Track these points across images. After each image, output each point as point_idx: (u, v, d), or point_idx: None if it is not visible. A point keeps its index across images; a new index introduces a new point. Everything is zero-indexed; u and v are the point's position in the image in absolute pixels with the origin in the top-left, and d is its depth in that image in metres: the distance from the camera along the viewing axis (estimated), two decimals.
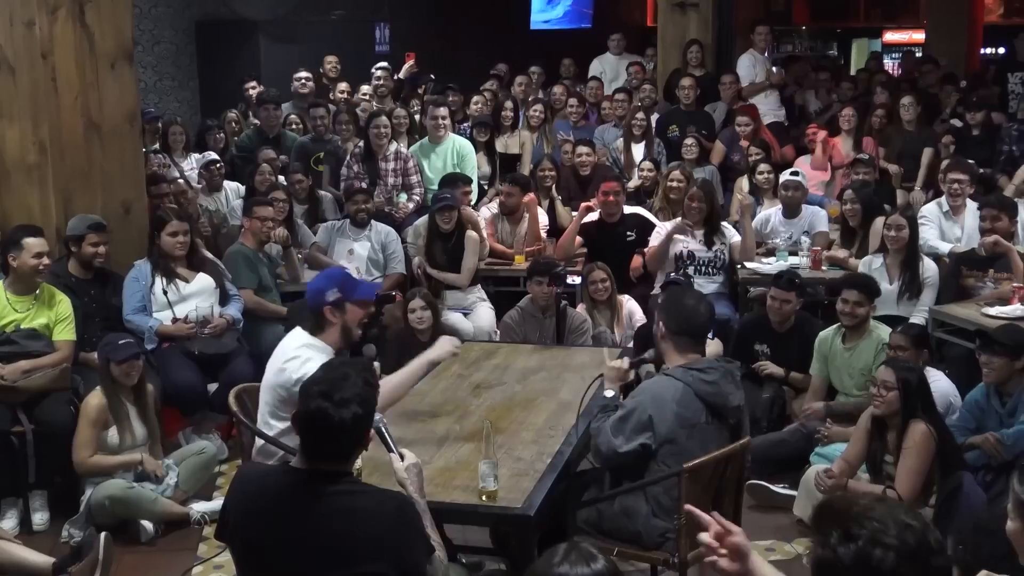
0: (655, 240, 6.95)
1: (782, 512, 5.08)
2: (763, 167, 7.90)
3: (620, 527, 3.84)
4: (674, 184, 7.60)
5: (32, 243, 5.26)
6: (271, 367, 4.12)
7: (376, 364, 3.09)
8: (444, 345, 4.30)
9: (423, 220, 7.29)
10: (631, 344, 5.93)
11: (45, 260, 5.30)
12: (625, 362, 4.09)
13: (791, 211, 7.32)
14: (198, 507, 5.10)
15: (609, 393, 4.00)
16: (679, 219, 7.04)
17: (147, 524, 4.93)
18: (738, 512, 4.02)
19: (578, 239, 7.32)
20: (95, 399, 5.06)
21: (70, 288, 5.61)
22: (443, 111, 8.36)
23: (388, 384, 3.97)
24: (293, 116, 9.12)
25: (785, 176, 7.46)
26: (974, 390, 5.09)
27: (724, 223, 7.14)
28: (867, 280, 5.72)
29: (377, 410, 2.94)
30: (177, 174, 7.82)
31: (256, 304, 6.31)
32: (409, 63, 10.41)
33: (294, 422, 2.85)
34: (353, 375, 2.77)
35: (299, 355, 3.98)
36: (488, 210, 7.82)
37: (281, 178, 7.93)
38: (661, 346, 4.01)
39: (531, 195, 7.60)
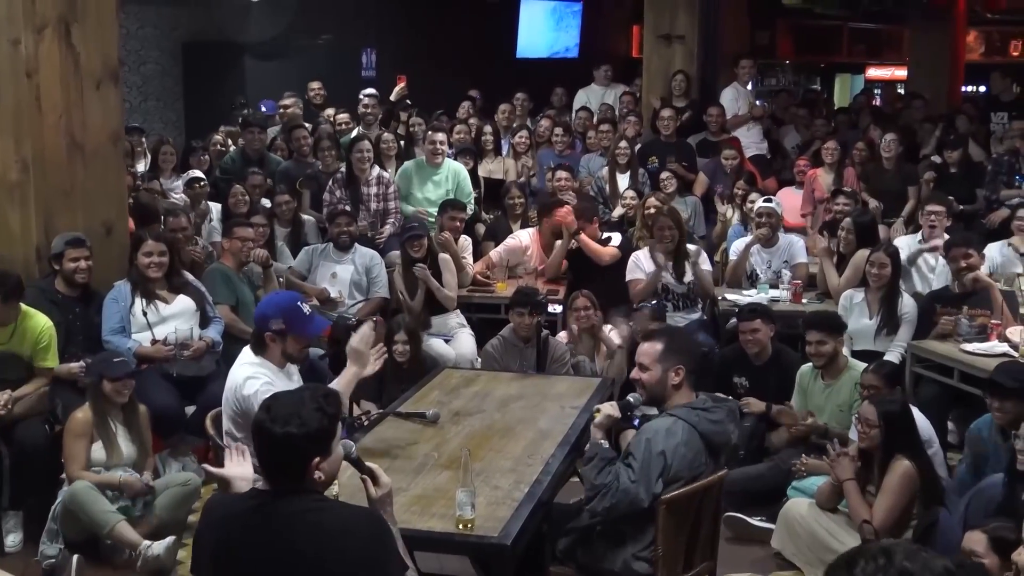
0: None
1: (759, 545, 5.08)
2: (754, 196, 7.93)
3: (599, 566, 3.80)
4: (651, 211, 7.64)
5: None
6: (227, 385, 4.38)
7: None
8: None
9: None
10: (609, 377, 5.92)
11: None
12: (615, 409, 3.97)
13: (767, 239, 7.35)
14: (155, 547, 4.74)
15: (604, 444, 3.87)
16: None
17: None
18: (715, 543, 4.02)
19: (564, 263, 7.57)
20: (80, 413, 5.02)
21: (56, 304, 5.58)
22: (441, 136, 8.43)
23: None
24: (279, 141, 9.12)
25: (759, 203, 7.49)
26: (979, 420, 5.00)
27: (690, 246, 7.20)
28: (826, 317, 5.70)
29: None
30: (164, 200, 7.78)
31: (231, 321, 6.26)
32: (400, 86, 10.42)
33: None
34: (306, 399, 2.78)
35: (246, 373, 4.29)
36: (529, 235, 7.84)
37: (266, 201, 7.91)
38: (669, 389, 3.89)
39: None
